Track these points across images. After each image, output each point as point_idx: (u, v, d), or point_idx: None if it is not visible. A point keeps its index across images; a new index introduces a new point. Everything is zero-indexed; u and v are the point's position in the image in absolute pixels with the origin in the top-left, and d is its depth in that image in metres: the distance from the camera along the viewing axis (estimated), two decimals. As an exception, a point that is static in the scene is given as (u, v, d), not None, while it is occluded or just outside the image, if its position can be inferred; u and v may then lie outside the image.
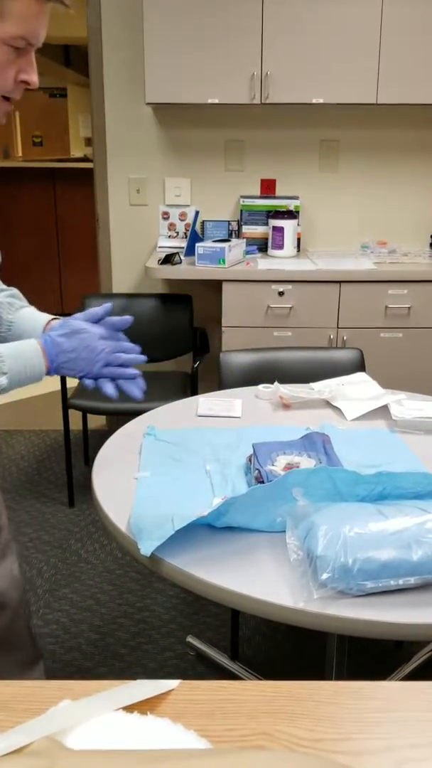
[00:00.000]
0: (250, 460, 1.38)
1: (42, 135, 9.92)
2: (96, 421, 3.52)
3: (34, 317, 1.35)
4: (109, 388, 1.28)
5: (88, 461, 3.23)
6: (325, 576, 0.99)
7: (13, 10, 1.01)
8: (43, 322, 1.33)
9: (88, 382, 1.28)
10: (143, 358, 1.33)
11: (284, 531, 1.11)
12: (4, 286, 1.42)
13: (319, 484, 1.15)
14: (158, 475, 1.36)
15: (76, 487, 2.97)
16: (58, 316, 1.35)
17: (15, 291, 1.40)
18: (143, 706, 0.67)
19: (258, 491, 1.13)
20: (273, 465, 1.31)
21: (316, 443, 1.40)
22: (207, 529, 1.16)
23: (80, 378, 1.27)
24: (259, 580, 1.04)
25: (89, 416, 3.27)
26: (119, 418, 3.21)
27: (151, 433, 1.56)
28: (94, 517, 2.78)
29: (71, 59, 7.39)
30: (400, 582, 1.00)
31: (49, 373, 1.22)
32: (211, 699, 0.71)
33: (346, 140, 3.25)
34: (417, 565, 1.01)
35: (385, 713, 0.70)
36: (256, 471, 1.30)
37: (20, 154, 9.86)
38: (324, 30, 2.80)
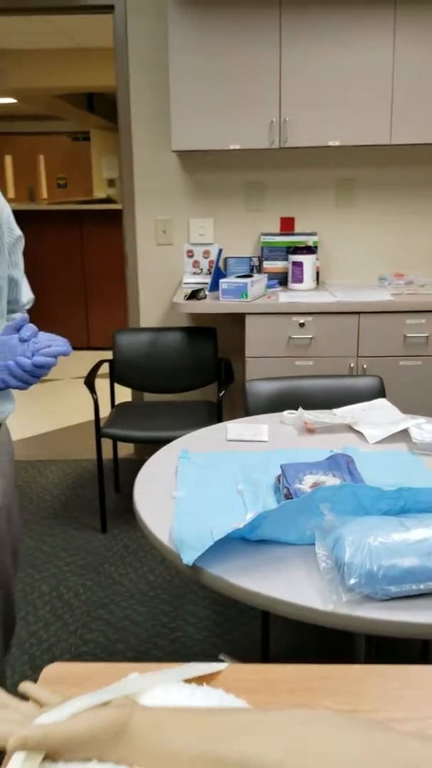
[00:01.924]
0: (279, 480, 1.48)
1: (66, 177, 10.26)
2: (125, 450, 3.64)
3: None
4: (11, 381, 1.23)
5: (119, 489, 3.34)
6: (352, 581, 1.09)
7: None
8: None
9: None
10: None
11: (314, 543, 1.21)
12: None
13: (344, 499, 1.26)
14: (194, 494, 1.47)
15: (108, 513, 3.09)
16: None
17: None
18: (197, 682, 0.78)
19: (289, 506, 1.24)
20: (300, 484, 1.42)
21: (340, 464, 1.50)
22: (242, 542, 1.27)
23: None
24: (291, 585, 1.14)
25: (119, 445, 3.39)
26: (147, 446, 3.33)
27: (185, 457, 1.67)
28: (126, 542, 2.88)
29: (95, 105, 7.69)
30: (422, 587, 1.10)
31: None
32: (255, 678, 0.81)
33: (363, 178, 3.40)
34: (437, 570, 1.10)
35: (408, 690, 0.80)
36: (285, 489, 1.41)
37: (45, 195, 10.18)
38: (338, 76, 2.97)
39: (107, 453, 3.33)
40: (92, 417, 2.93)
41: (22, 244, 1.53)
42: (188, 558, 1.19)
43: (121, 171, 3.48)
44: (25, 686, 0.72)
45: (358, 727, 0.62)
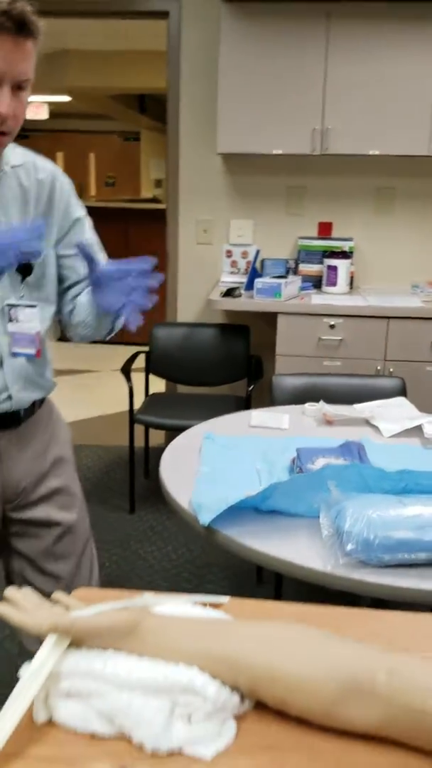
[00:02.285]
0: (293, 462, 1.61)
1: (115, 176, 10.49)
2: (156, 440, 3.78)
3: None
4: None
5: (148, 474, 3.49)
6: (350, 547, 1.20)
7: None
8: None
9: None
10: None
11: (319, 516, 1.33)
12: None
13: (350, 477, 1.37)
14: (215, 469, 1.60)
15: (137, 496, 3.24)
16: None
17: None
18: (202, 605, 0.91)
19: (298, 479, 1.36)
20: (313, 465, 1.54)
21: (352, 450, 1.62)
22: (255, 511, 1.39)
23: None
24: (296, 549, 1.26)
25: (150, 434, 3.54)
26: (176, 435, 3.46)
27: (210, 438, 1.80)
28: (152, 523, 3.03)
29: (146, 106, 7.89)
30: (413, 556, 1.21)
31: None
32: (258, 611, 0.94)
33: (402, 187, 3.50)
34: (428, 543, 1.21)
35: (410, 632, 0.91)
36: (298, 468, 1.53)
37: (93, 193, 10.42)
38: (380, 87, 3.08)
39: (139, 441, 3.48)
40: (127, 407, 3.08)
41: (82, 225, 1.51)
42: (204, 519, 1.32)
43: (167, 171, 3.64)
44: (57, 595, 0.86)
45: (324, 635, 0.75)
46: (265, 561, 1.26)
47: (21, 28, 1.14)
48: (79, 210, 1.52)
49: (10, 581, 1.58)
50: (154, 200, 8.53)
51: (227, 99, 3.16)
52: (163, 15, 3.39)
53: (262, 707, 0.77)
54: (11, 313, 1.36)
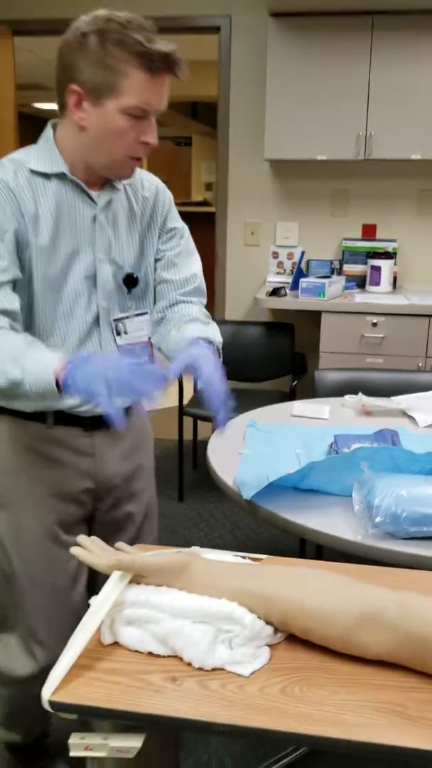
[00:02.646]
0: (331, 447, 1.73)
1: (166, 179, 10.70)
2: (203, 434, 3.95)
3: (185, 331, 1.44)
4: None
5: (196, 466, 3.66)
6: (378, 519, 1.33)
7: (129, 85, 1.19)
8: (188, 336, 1.40)
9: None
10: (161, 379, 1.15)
11: (352, 495, 1.46)
12: (191, 313, 1.51)
13: (382, 459, 1.50)
14: (257, 452, 1.74)
15: (186, 485, 3.40)
16: (211, 341, 1.43)
17: (203, 317, 1.52)
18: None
19: (334, 460, 1.49)
20: (348, 449, 1.67)
21: (386, 437, 1.74)
22: (293, 489, 1.53)
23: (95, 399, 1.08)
24: (329, 521, 1.39)
25: (198, 428, 3.70)
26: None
27: (253, 425, 1.94)
28: (199, 510, 3.19)
29: (198, 112, 8.08)
30: (436, 529, 1.33)
31: (60, 385, 1.09)
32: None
33: (444, 190, 3.58)
34: (451, 518, 1.33)
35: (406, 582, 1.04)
36: (335, 452, 1.66)
37: (145, 196, 10.60)
38: (422, 94, 3.17)
39: (188, 434, 3.65)
40: (177, 402, 3.25)
41: (179, 235, 1.52)
42: (247, 494, 1.46)
43: (217, 176, 3.79)
44: (120, 544, 1.02)
45: (343, 577, 0.88)
46: (300, 531, 1.40)
47: (172, 68, 1.21)
48: (176, 221, 1.53)
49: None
50: (205, 203, 8.70)
51: (274, 107, 3.30)
52: (215, 30, 3.55)
53: (292, 639, 0.91)
54: (118, 326, 1.41)
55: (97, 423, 1.43)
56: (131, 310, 1.45)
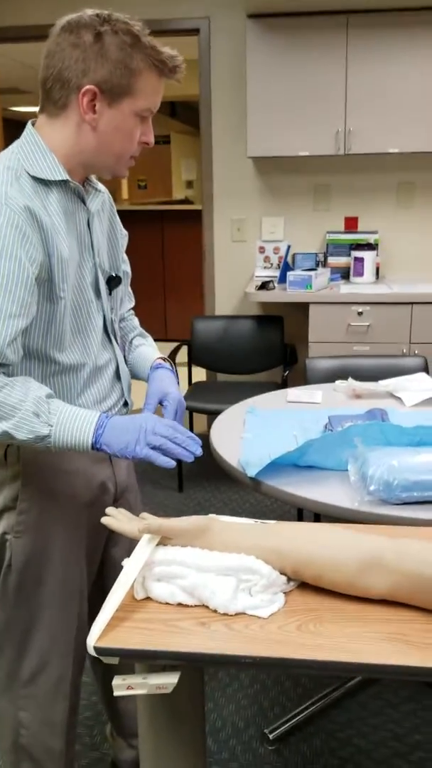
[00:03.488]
0: (326, 427, 1.86)
1: (146, 179, 10.78)
2: (199, 427, 4.07)
3: (145, 356, 1.54)
4: (160, 460, 1.20)
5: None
6: (372, 488, 1.45)
7: (143, 88, 1.22)
8: (150, 361, 1.51)
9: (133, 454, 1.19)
10: (190, 455, 1.24)
11: (348, 469, 1.58)
12: (135, 325, 1.63)
13: (373, 434, 1.62)
14: (257, 436, 1.86)
15: (185, 476, 3.52)
16: (165, 358, 1.55)
17: (142, 331, 1.63)
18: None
19: (329, 437, 1.62)
20: (342, 428, 1.79)
21: (375, 415, 1.87)
22: (293, 467, 1.65)
23: (125, 455, 1.19)
24: (328, 493, 1.51)
25: (194, 421, 3.82)
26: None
27: (252, 411, 2.06)
28: (199, 500, 3.31)
29: (177, 111, 8.18)
30: (425, 494, 1.45)
31: (96, 445, 1.18)
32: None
33: (422, 182, 3.71)
34: (439, 484, 1.46)
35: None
36: (330, 431, 1.78)
37: (126, 196, 10.73)
38: (398, 89, 3.30)
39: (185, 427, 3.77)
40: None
41: (124, 242, 1.56)
42: (251, 472, 1.58)
43: (200, 175, 3.91)
44: (144, 514, 1.13)
45: (347, 530, 1.01)
46: (302, 503, 1.52)
47: (176, 72, 1.25)
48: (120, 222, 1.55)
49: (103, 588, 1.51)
50: (186, 201, 8.80)
51: (255, 106, 3.41)
52: (194, 32, 3.66)
53: (304, 586, 1.04)
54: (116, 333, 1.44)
55: None
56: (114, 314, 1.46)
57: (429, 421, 1.96)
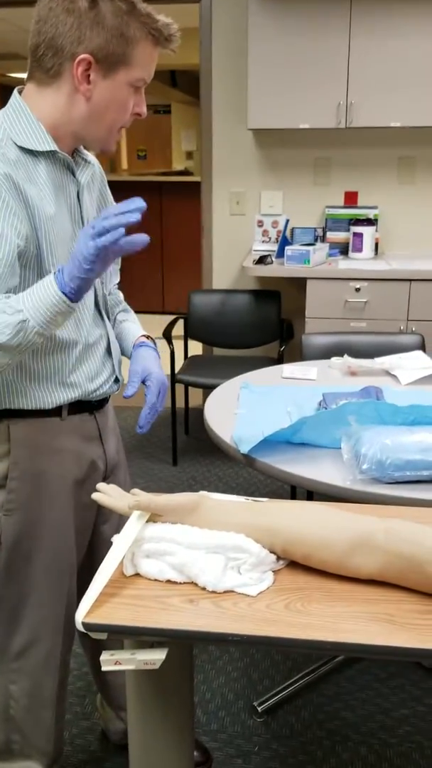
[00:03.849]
0: (320, 404, 1.85)
1: (146, 149, 10.64)
2: (195, 401, 4.06)
3: (128, 333, 1.52)
4: (122, 241, 1.05)
5: (188, 432, 3.78)
6: (365, 467, 1.45)
7: (138, 57, 1.19)
8: (134, 338, 1.49)
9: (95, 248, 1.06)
10: (133, 218, 1.04)
11: (341, 445, 1.58)
12: (120, 300, 1.59)
13: (367, 413, 1.62)
14: (252, 411, 1.85)
15: (179, 450, 3.52)
16: (147, 335, 1.53)
17: (126, 306, 1.60)
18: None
19: (323, 415, 1.61)
20: (336, 405, 1.78)
21: (371, 393, 1.86)
22: (287, 444, 1.64)
23: (90, 267, 1.08)
24: (321, 471, 1.51)
25: (190, 396, 3.81)
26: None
27: (247, 387, 2.05)
28: (193, 473, 3.32)
29: (177, 81, 8.04)
30: (417, 474, 1.45)
31: (64, 291, 1.10)
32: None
33: (423, 156, 3.66)
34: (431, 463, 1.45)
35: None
36: (324, 408, 1.78)
37: (125, 167, 10.60)
38: (400, 62, 3.24)
39: (180, 402, 3.76)
40: (169, 370, 3.35)
41: None
42: (244, 449, 1.58)
43: (200, 146, 3.85)
44: (134, 490, 1.13)
45: (337, 509, 1.00)
46: (295, 480, 1.52)
47: (171, 42, 1.22)
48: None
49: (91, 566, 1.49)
50: (186, 172, 8.70)
51: (256, 77, 3.35)
52: (195, 1, 3.57)
53: (293, 565, 1.04)
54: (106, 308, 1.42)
55: (102, 403, 1.44)
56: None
57: (424, 399, 1.96)
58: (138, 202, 1.05)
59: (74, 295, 1.11)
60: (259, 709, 1.90)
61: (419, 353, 2.37)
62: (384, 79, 3.27)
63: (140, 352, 1.46)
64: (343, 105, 3.32)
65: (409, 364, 2.24)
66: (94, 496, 1.09)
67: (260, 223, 3.82)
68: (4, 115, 1.22)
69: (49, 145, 1.21)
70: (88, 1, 1.14)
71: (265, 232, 3.83)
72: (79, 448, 1.38)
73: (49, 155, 1.23)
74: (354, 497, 1.45)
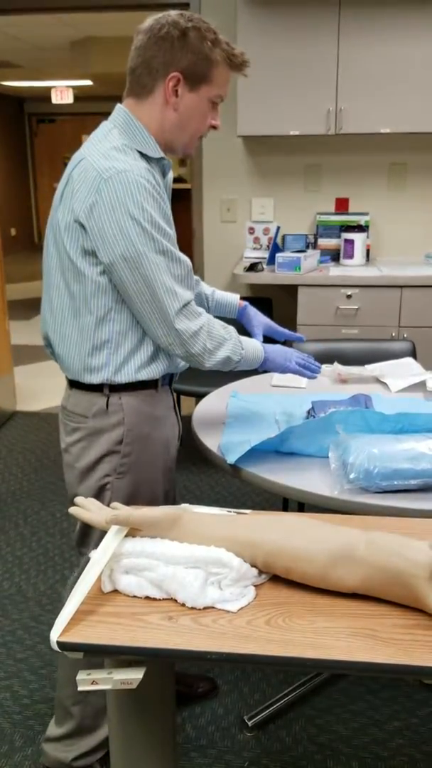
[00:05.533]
0: (309, 413, 1.83)
1: (140, 157, 10.60)
2: (187, 409, 4.04)
3: (227, 298, 1.86)
4: (306, 373, 1.70)
5: (181, 440, 3.74)
6: (353, 476, 1.43)
7: (217, 77, 1.45)
8: (236, 304, 1.85)
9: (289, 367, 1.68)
10: (318, 371, 1.73)
11: (329, 454, 1.55)
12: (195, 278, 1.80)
13: (355, 421, 1.60)
14: (240, 420, 1.83)
15: (170, 459, 3.50)
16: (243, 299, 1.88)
17: (199, 279, 1.85)
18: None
19: (311, 424, 1.59)
20: (325, 414, 1.76)
21: (360, 401, 1.84)
22: (274, 453, 1.62)
23: (281, 369, 1.67)
24: (308, 480, 1.49)
25: (182, 404, 3.79)
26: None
27: (235, 395, 2.03)
28: (185, 483, 3.29)
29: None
30: (405, 483, 1.43)
31: (262, 367, 1.64)
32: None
33: (413, 163, 3.65)
34: (419, 472, 1.43)
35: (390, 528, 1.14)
36: (312, 417, 1.76)
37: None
38: (390, 68, 3.23)
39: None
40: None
41: None
42: (231, 459, 1.56)
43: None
44: (114, 504, 1.11)
45: (319, 521, 0.98)
46: (281, 490, 1.50)
47: (243, 68, 1.49)
48: None
49: None
50: (180, 180, 8.69)
51: (245, 84, 3.34)
52: (184, 6, 3.57)
53: (275, 579, 1.01)
54: None
55: (173, 377, 1.64)
56: None
57: (413, 407, 1.94)
58: (317, 371, 1.74)
59: (262, 368, 1.64)
60: (250, 723, 1.87)
61: (409, 360, 2.35)
62: (374, 85, 3.26)
63: (250, 310, 1.85)
64: (333, 111, 3.31)
65: (399, 372, 2.22)
66: (72, 510, 1.07)
67: (251, 230, 3.81)
68: (118, 127, 1.44)
69: (159, 152, 1.45)
70: (179, 31, 1.39)
71: (256, 239, 3.81)
72: (168, 415, 1.61)
73: (155, 161, 1.46)
74: (341, 507, 1.43)
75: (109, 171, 1.34)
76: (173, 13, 1.43)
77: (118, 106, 1.47)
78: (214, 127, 1.52)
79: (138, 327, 1.46)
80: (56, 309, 1.50)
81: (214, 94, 1.46)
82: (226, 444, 1.62)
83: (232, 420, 1.83)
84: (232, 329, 1.57)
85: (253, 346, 1.61)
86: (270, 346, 1.66)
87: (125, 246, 1.34)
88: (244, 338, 1.59)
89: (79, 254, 1.40)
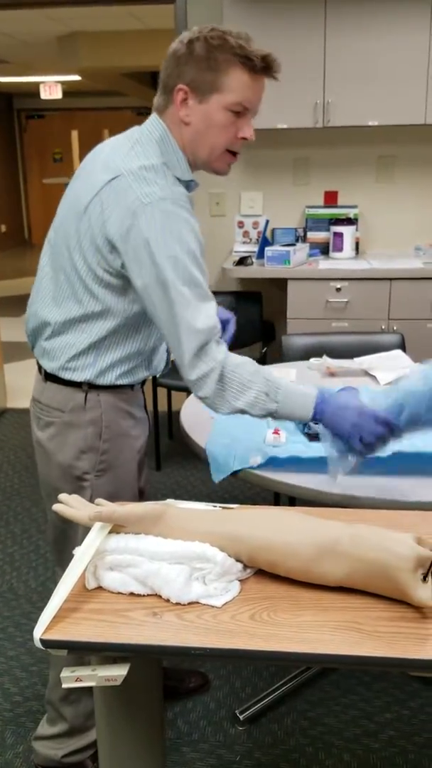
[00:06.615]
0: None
1: (129, 152, 10.56)
2: (178, 404, 4.03)
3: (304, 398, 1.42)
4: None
5: (172, 436, 3.74)
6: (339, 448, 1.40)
7: (230, 84, 1.33)
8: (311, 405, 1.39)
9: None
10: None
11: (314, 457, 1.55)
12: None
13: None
14: (230, 416, 1.82)
15: (163, 455, 3.49)
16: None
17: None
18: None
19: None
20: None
21: (348, 394, 1.83)
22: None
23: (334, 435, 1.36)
24: (299, 476, 1.49)
25: (173, 399, 3.78)
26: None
27: (224, 390, 2.02)
28: (177, 478, 3.28)
29: (157, 82, 8.02)
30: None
31: (314, 416, 1.35)
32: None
33: (401, 155, 3.65)
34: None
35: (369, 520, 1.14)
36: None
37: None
38: (377, 61, 3.23)
39: (163, 405, 3.73)
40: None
41: None
42: (216, 478, 1.55)
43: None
44: (98, 500, 1.10)
45: (303, 515, 0.98)
46: (276, 487, 1.49)
47: (270, 69, 1.39)
48: None
49: None
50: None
51: (233, 77, 3.32)
52: (170, 1, 3.55)
53: (260, 573, 1.01)
54: None
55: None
56: None
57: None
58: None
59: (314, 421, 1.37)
60: (241, 717, 1.87)
61: (398, 353, 2.35)
62: (360, 77, 3.25)
63: None
64: (320, 104, 3.30)
65: (388, 365, 2.22)
66: (56, 507, 1.06)
67: (241, 224, 3.80)
68: (157, 143, 1.37)
69: (190, 173, 1.42)
70: (185, 44, 1.34)
71: (245, 233, 3.80)
72: (141, 414, 1.61)
73: (187, 183, 1.43)
74: (333, 501, 1.42)
75: (150, 197, 1.28)
76: (195, 28, 1.36)
77: (155, 117, 1.40)
78: (245, 139, 1.41)
79: (129, 343, 1.44)
80: (51, 295, 1.43)
81: (230, 102, 1.34)
82: (212, 452, 1.62)
83: (221, 418, 1.82)
84: (269, 374, 1.38)
85: (299, 396, 1.36)
86: (336, 403, 1.35)
87: (156, 273, 1.29)
88: (293, 386, 1.38)
89: (98, 271, 1.35)
